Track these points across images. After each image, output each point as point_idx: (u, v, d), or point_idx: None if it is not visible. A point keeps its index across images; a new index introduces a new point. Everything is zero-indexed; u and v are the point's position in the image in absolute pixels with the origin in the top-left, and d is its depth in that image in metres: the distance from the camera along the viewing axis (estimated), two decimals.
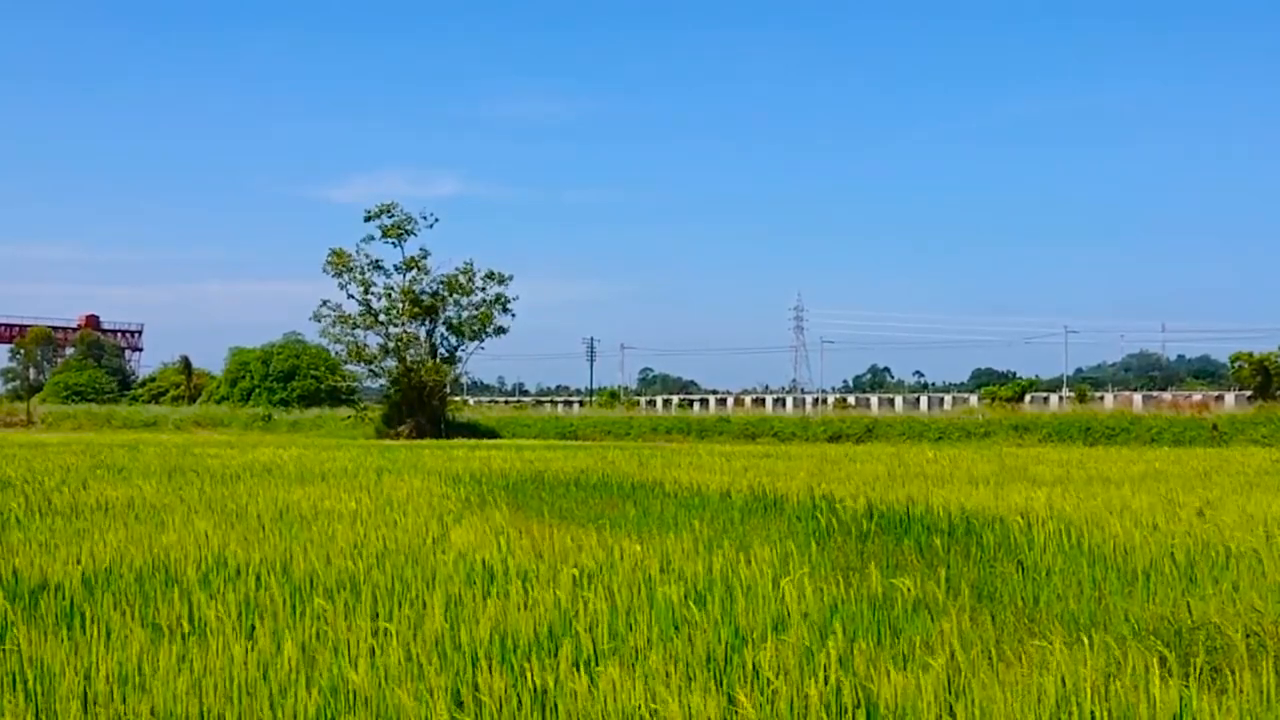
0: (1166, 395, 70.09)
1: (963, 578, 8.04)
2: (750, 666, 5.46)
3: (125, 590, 7.59)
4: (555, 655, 5.62)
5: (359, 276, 58.83)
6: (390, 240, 58.86)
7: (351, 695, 5.12)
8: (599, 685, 5.05)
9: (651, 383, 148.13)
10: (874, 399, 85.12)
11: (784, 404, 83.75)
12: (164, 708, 5.05)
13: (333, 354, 68.10)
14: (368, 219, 58.82)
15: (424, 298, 59.21)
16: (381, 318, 59.19)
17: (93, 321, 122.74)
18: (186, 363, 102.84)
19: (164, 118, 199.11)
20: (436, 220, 59.74)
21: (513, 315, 60.28)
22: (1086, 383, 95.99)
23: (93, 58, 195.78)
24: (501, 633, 6.12)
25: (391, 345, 59.20)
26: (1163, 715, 4.75)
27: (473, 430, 58.72)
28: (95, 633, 6.17)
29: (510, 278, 60.25)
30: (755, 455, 27.81)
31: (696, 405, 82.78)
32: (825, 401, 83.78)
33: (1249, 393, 61.73)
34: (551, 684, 5.14)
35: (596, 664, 5.51)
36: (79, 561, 8.67)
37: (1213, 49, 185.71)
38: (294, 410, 76.17)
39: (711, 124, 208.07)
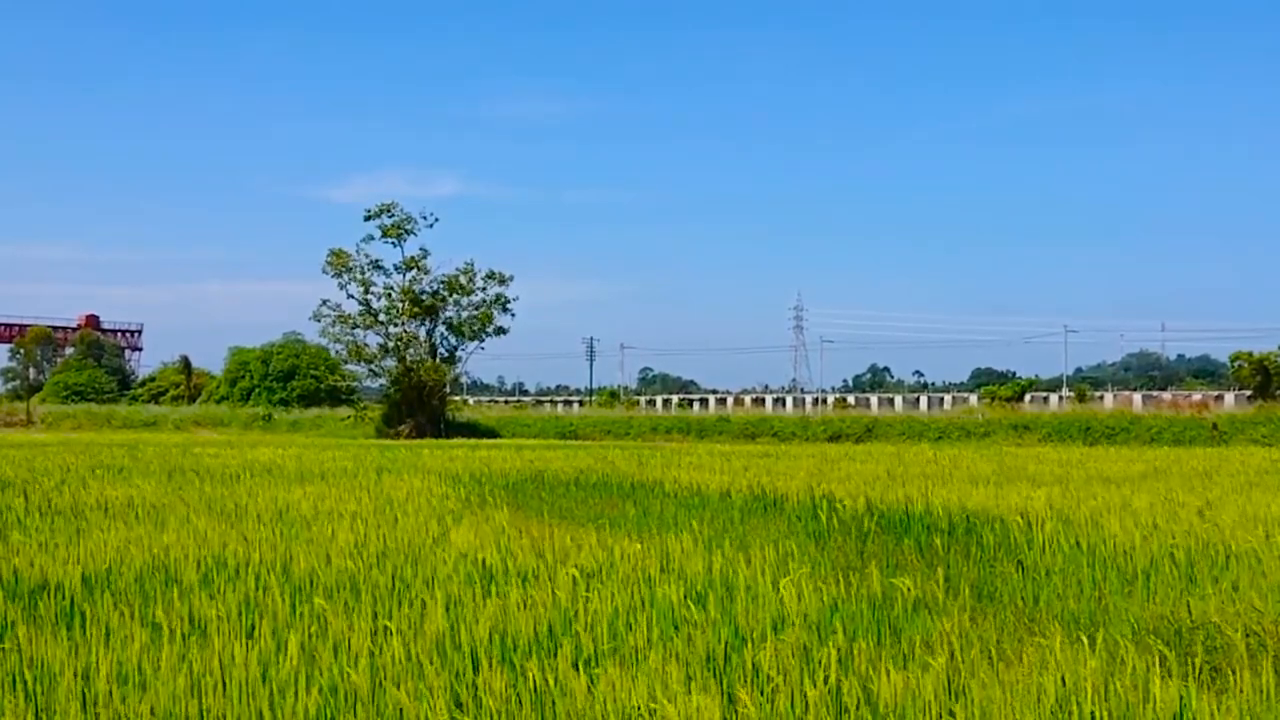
0: (1166, 395, 70.08)
1: (963, 577, 8.04)
2: (750, 666, 5.46)
3: (125, 590, 7.60)
4: (555, 655, 5.62)
5: (359, 276, 58.87)
6: (390, 240, 58.89)
7: (351, 695, 5.12)
8: (599, 685, 5.05)
9: (651, 382, 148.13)
10: (874, 399, 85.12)
11: (784, 404, 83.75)
12: (164, 707, 5.05)
13: (333, 354, 68.22)
14: (367, 219, 58.91)
15: (424, 297, 59.22)
16: (381, 317, 59.23)
17: (93, 321, 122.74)
18: (186, 362, 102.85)
19: (164, 118, 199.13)
20: (436, 220, 59.86)
21: (512, 315, 60.39)
22: (1086, 382, 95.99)
23: (93, 58, 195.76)
24: (501, 632, 6.12)
25: (391, 345, 59.22)
26: (1162, 715, 4.75)
27: (472, 430, 58.72)
28: (95, 633, 6.17)
29: (511, 278, 60.35)
30: (755, 455, 27.81)
31: (696, 405, 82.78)
32: (825, 401, 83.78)
33: (1249, 392, 61.73)
34: (551, 684, 5.14)
35: (596, 664, 5.51)
36: (79, 561, 8.67)
37: (1213, 49, 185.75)
38: (294, 410, 76.18)
39: (711, 124, 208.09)
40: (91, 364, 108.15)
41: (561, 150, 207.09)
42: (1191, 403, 55.83)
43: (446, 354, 60.67)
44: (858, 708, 4.94)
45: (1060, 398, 72.30)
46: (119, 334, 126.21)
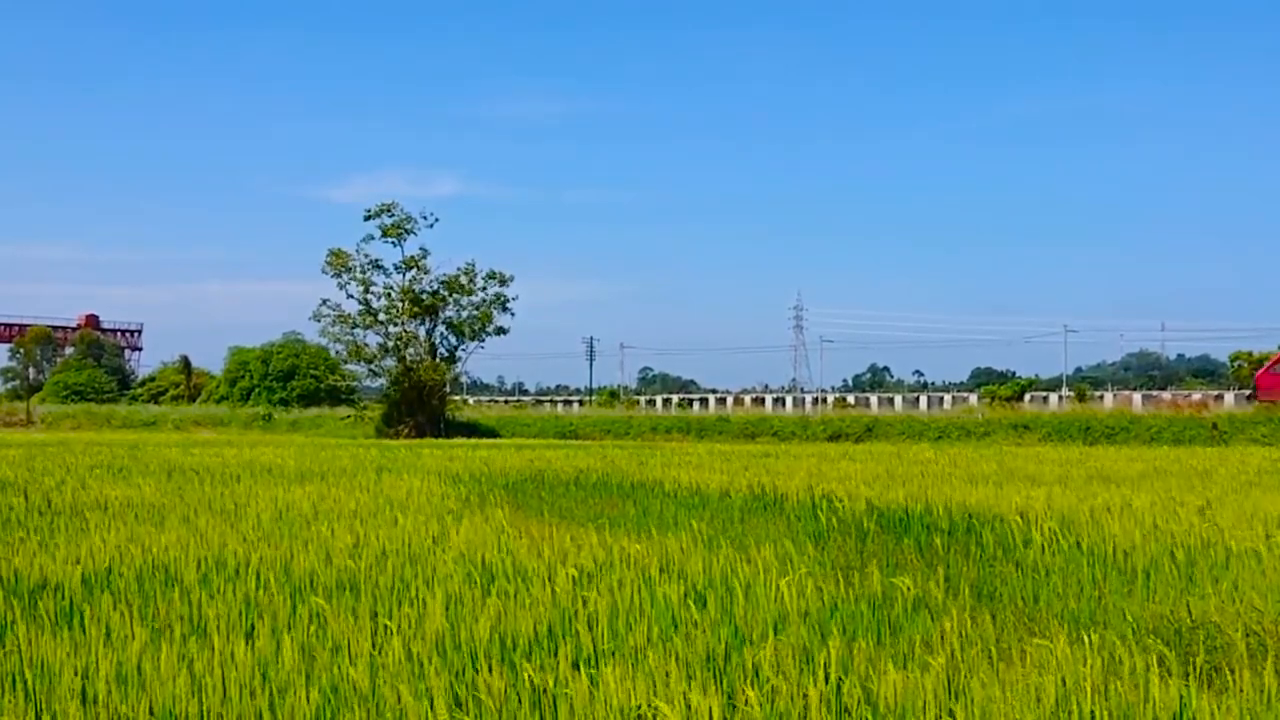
0: (1166, 394, 70.06)
1: (962, 577, 8.04)
2: (750, 666, 5.46)
3: (125, 590, 7.59)
4: (555, 654, 5.62)
5: (358, 276, 58.79)
6: (390, 240, 58.81)
7: (351, 694, 5.12)
8: (598, 684, 5.05)
9: (651, 382, 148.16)
10: (873, 398, 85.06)
11: (784, 403, 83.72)
12: (164, 707, 5.05)
13: (332, 353, 68.14)
14: (367, 218, 58.83)
15: (424, 297, 59.19)
16: (381, 317, 59.16)
17: (92, 321, 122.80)
18: (186, 362, 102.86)
19: (164, 118, 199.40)
20: (436, 220, 59.72)
21: (512, 315, 60.31)
22: (1086, 382, 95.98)
23: (93, 58, 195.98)
24: (501, 632, 6.12)
25: (391, 345, 59.17)
26: (1162, 715, 4.75)
27: (472, 429, 58.70)
28: (95, 632, 6.17)
29: (511, 278, 60.29)
30: (755, 454, 27.81)
31: (696, 404, 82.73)
32: (825, 401, 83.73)
33: (1248, 392, 61.72)
34: (551, 683, 5.14)
35: (596, 663, 5.51)
36: (78, 561, 8.67)
37: (1213, 49, 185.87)
38: (294, 410, 76.17)
39: (711, 124, 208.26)
40: (91, 364, 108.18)
41: (561, 150, 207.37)
42: (1191, 402, 55.81)
43: (446, 354, 60.62)
44: (858, 707, 4.94)
45: (1060, 397, 72.28)
46: (119, 334, 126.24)
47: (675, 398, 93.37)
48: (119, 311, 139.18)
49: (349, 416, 64.09)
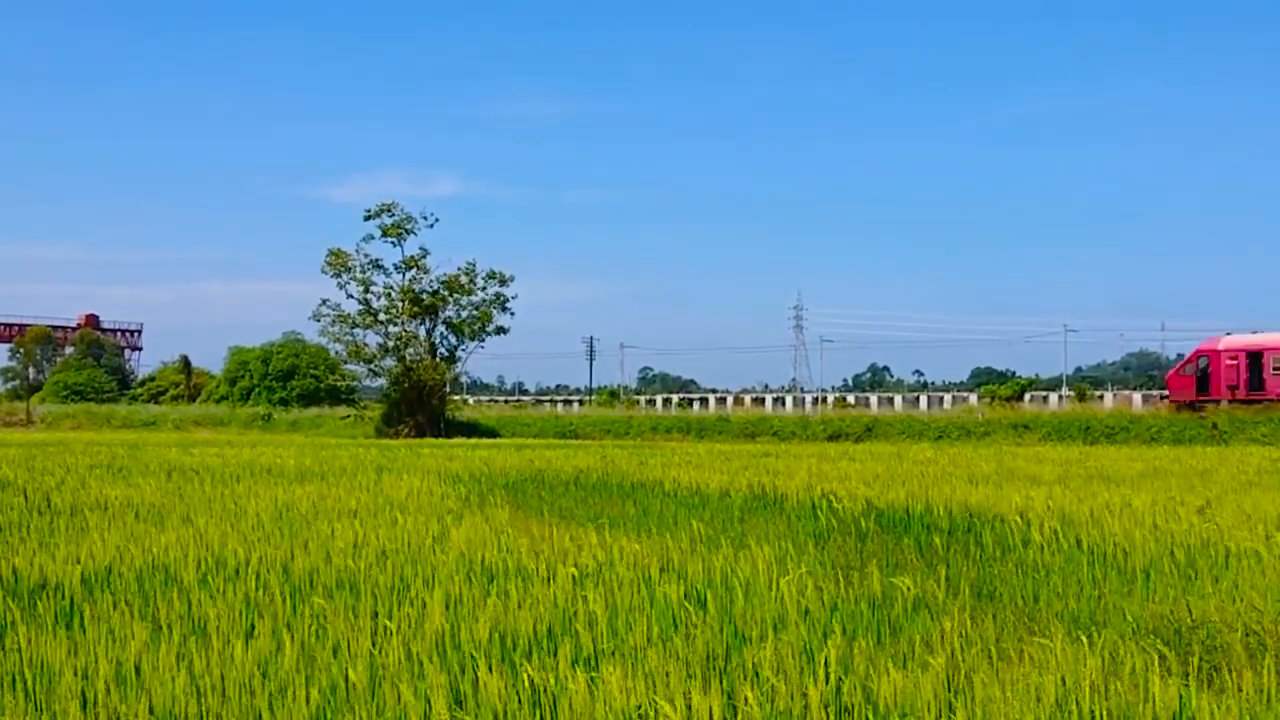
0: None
1: (962, 576, 8.03)
2: (750, 665, 5.45)
3: (124, 589, 7.59)
4: (555, 654, 5.62)
5: (358, 276, 58.82)
6: (390, 240, 58.84)
7: (351, 694, 5.12)
8: (598, 684, 5.04)
9: (651, 382, 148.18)
10: (873, 398, 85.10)
11: (783, 403, 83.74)
12: (163, 707, 5.05)
13: (332, 353, 68.12)
14: (367, 218, 58.86)
15: (424, 297, 59.19)
16: (381, 317, 59.18)
17: (92, 321, 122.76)
18: (186, 362, 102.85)
19: (164, 118, 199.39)
20: (437, 220, 59.77)
21: (512, 314, 60.32)
22: (1086, 381, 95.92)
23: (93, 58, 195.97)
24: (501, 631, 6.12)
25: (391, 344, 59.18)
26: (1162, 714, 4.75)
27: (472, 429, 58.71)
28: (95, 632, 6.17)
29: (511, 278, 60.30)
30: (755, 454, 27.81)
31: (696, 404, 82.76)
32: (825, 400, 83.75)
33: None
34: (551, 683, 5.14)
35: (596, 663, 5.50)
36: (78, 561, 8.66)
37: (1213, 49, 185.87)
38: (293, 409, 76.18)
39: (711, 124, 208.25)
40: (91, 364, 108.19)
41: (561, 150, 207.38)
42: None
43: (446, 353, 60.64)
44: (858, 707, 4.94)
45: (1060, 397, 72.28)
46: (119, 334, 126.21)
47: (675, 397, 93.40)
48: (119, 311, 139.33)
49: (349, 416, 64.10)
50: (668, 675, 5.23)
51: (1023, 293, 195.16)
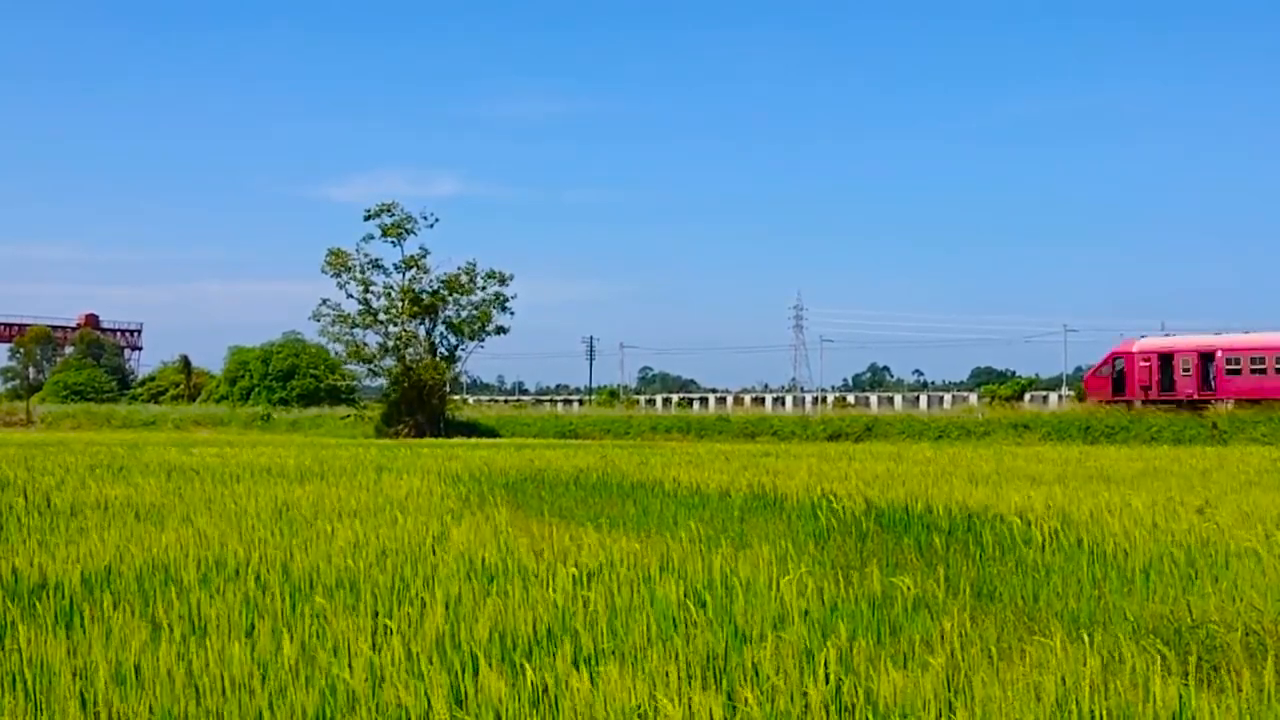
0: None
1: (962, 576, 8.04)
2: (750, 665, 5.45)
3: (124, 589, 7.59)
4: (554, 654, 5.62)
5: (358, 276, 58.82)
6: (390, 239, 58.85)
7: (351, 693, 5.12)
8: (599, 684, 5.04)
9: (651, 382, 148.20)
10: (873, 398, 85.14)
11: (783, 403, 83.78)
12: (163, 706, 5.05)
13: (332, 353, 68.09)
14: (367, 218, 58.86)
15: (424, 297, 59.19)
16: (381, 317, 59.17)
17: (92, 321, 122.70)
18: (186, 362, 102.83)
19: (164, 118, 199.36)
20: (436, 220, 59.78)
21: (512, 314, 60.32)
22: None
23: (93, 58, 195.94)
24: (501, 631, 6.12)
25: (391, 344, 59.17)
26: (1162, 714, 4.75)
27: (472, 429, 58.71)
28: (94, 632, 6.17)
29: (511, 277, 60.29)
30: (755, 454, 27.81)
31: (696, 404, 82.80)
32: (825, 400, 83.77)
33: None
34: (551, 682, 5.14)
35: (596, 662, 5.50)
36: (78, 560, 8.66)
37: (1213, 49, 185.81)
38: (293, 409, 76.16)
39: (711, 124, 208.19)
40: (91, 363, 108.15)
41: (561, 150, 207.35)
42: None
43: (446, 353, 60.64)
44: (858, 707, 4.94)
45: (1060, 396, 72.27)
46: (119, 333, 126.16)
47: (675, 397, 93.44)
48: (119, 311, 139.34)
49: (349, 416, 64.08)
50: (668, 675, 5.23)
51: (1023, 293, 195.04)
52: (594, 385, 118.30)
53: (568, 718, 4.89)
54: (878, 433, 49.46)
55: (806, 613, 6.61)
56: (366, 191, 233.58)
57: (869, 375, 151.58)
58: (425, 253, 59.23)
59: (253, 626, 6.41)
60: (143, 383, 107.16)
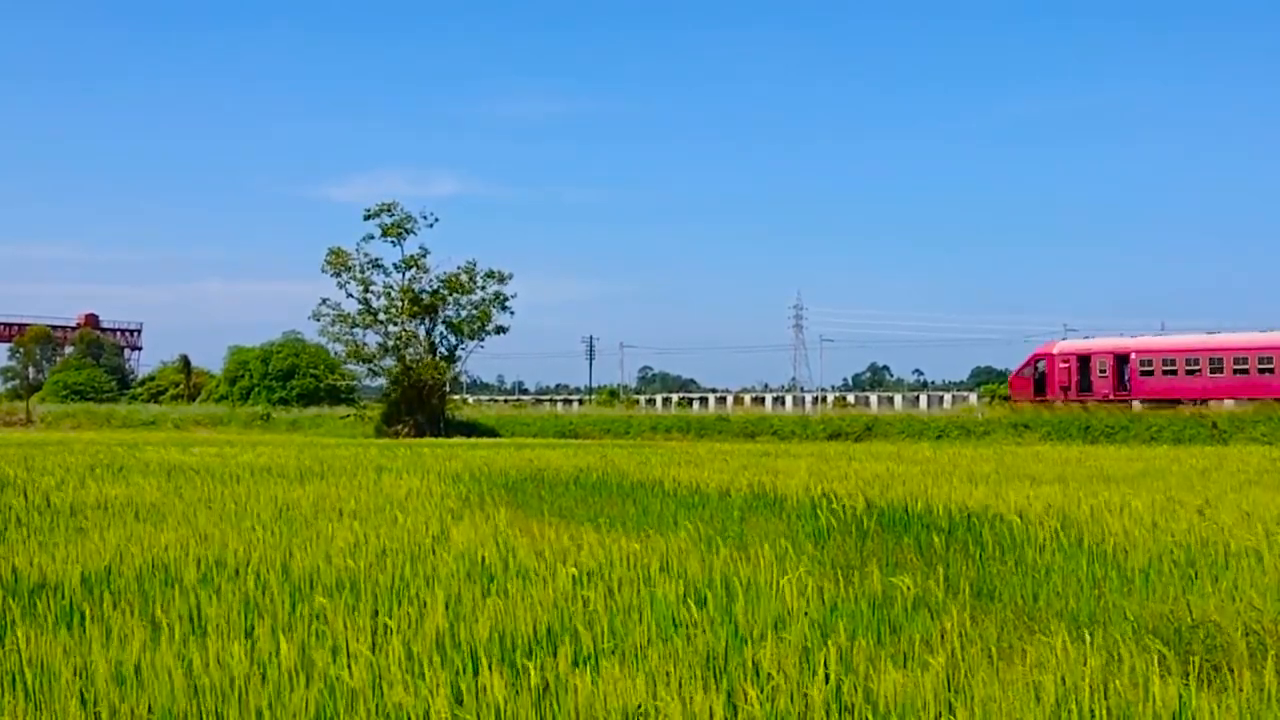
0: None
1: (962, 576, 8.03)
2: (750, 665, 5.45)
3: (124, 589, 7.59)
4: (555, 654, 5.62)
5: (358, 275, 58.83)
6: (390, 239, 58.86)
7: (351, 693, 5.12)
8: (599, 683, 5.04)
9: (651, 381, 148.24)
10: (873, 397, 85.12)
11: (783, 402, 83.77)
12: (163, 706, 5.05)
13: (332, 353, 68.14)
14: (367, 218, 58.88)
15: (424, 296, 59.18)
16: (381, 316, 59.18)
17: (92, 320, 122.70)
18: (186, 362, 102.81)
19: (164, 117, 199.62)
20: (436, 220, 59.82)
21: (512, 314, 60.34)
22: None
23: (93, 58, 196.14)
24: (501, 631, 6.12)
25: (391, 344, 59.17)
26: (1162, 714, 4.75)
27: (472, 429, 58.71)
28: (94, 631, 6.17)
29: (510, 276, 60.30)
30: (755, 454, 27.81)
31: (696, 404, 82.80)
32: (825, 400, 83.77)
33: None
34: (551, 682, 5.14)
35: (596, 662, 5.50)
36: (78, 560, 8.66)
37: (1213, 49, 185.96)
38: (293, 409, 76.14)
39: (711, 124, 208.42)
40: (91, 363, 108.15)
41: (561, 150, 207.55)
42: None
43: (446, 353, 60.64)
44: (858, 707, 4.94)
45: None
46: (118, 333, 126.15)
47: (675, 397, 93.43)
48: (119, 311, 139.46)
49: (349, 416, 64.07)
50: (668, 674, 5.23)
51: (1023, 293, 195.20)
52: (594, 385, 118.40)
53: (568, 717, 4.89)
54: (878, 432, 49.46)
55: (806, 613, 6.60)
56: (366, 191, 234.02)
57: (869, 375, 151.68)
58: (425, 252, 59.33)
59: (253, 626, 6.41)
60: (142, 382, 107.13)
